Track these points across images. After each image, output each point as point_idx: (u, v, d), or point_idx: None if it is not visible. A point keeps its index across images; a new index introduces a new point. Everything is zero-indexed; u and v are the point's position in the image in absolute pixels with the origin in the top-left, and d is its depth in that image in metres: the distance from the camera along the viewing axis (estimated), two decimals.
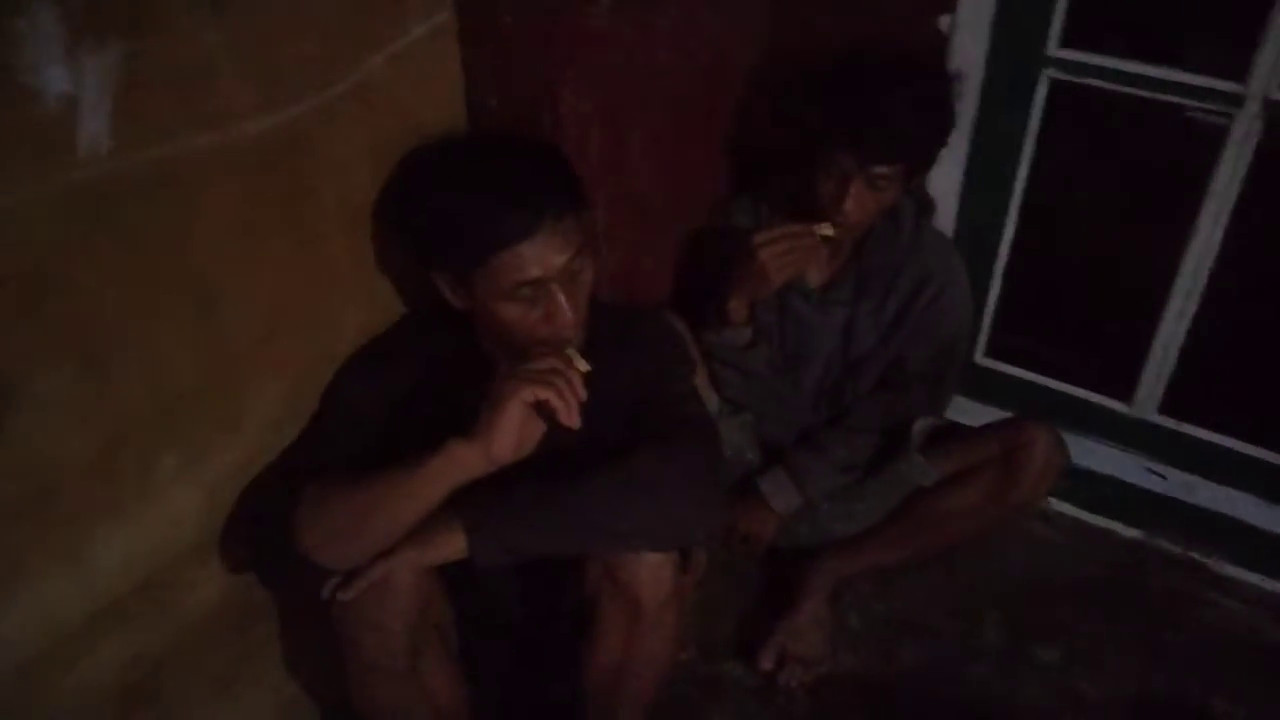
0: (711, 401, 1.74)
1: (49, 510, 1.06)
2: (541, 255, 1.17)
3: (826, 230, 1.55)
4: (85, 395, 1.06)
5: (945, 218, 1.87)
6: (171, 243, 1.09)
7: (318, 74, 1.18)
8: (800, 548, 1.83)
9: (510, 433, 1.11)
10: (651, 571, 1.25)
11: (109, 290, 1.04)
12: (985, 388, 2.04)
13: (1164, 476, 1.94)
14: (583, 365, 1.14)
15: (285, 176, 1.19)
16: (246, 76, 1.09)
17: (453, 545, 1.18)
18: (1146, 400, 1.92)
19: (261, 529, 1.23)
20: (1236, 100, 1.58)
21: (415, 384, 1.33)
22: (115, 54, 0.95)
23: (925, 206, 1.71)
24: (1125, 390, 1.94)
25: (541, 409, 1.12)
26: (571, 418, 1.11)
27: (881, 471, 1.75)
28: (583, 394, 1.12)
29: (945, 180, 1.83)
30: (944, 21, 1.68)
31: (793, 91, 1.59)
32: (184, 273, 1.12)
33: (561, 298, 1.19)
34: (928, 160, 1.59)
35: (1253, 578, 1.88)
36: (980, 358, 2.04)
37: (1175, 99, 1.64)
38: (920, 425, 1.74)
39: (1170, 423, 1.93)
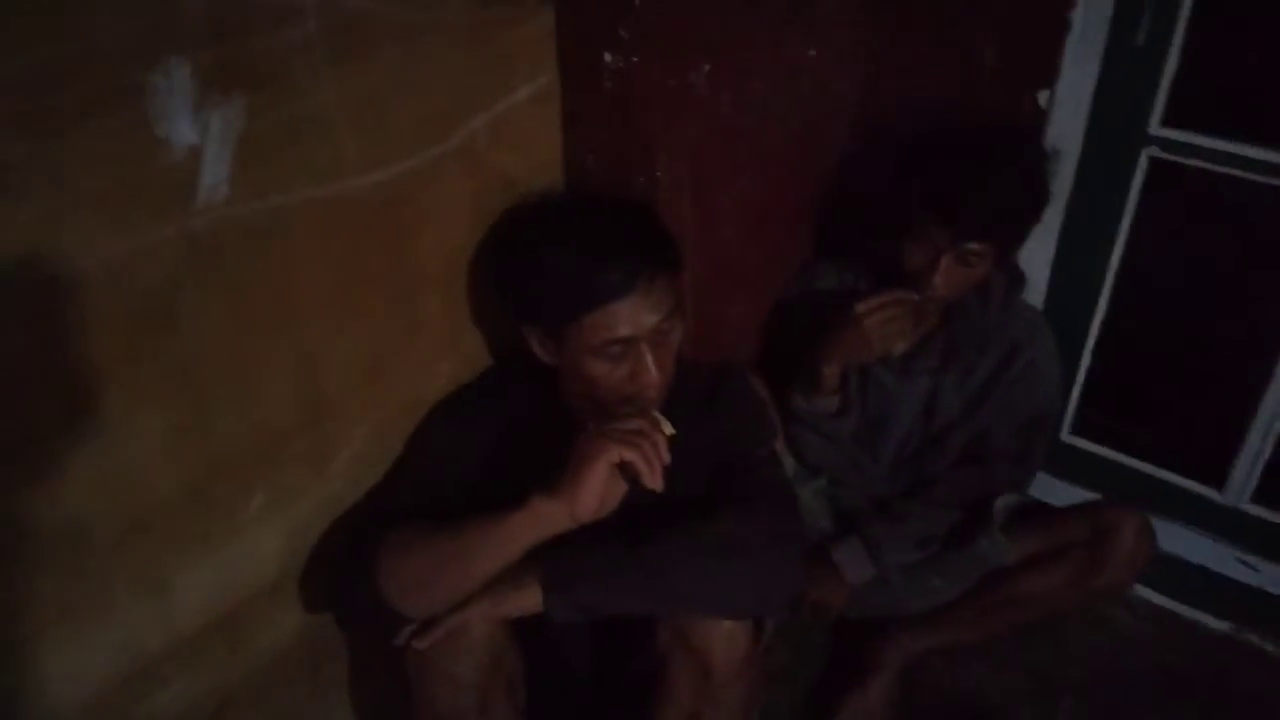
0: (788, 464, 1.73)
1: (140, 542, 1.09)
2: (634, 314, 1.18)
3: (914, 296, 1.54)
4: (184, 433, 1.09)
5: (1035, 291, 1.84)
6: (275, 289, 1.12)
7: (426, 133, 1.22)
8: (871, 619, 1.79)
9: (594, 491, 1.11)
10: (725, 638, 1.23)
11: (214, 332, 1.07)
12: (1070, 466, 1.99)
13: (1256, 569, 1.87)
14: (668, 429, 1.14)
15: (388, 229, 1.22)
16: (359, 133, 1.12)
17: (529, 600, 1.18)
18: (1240, 488, 1.85)
19: (341, 572, 1.24)
20: None
21: (498, 434, 1.34)
22: (239, 108, 0.99)
23: (1016, 280, 1.69)
24: (1217, 476, 1.87)
25: (625, 470, 1.12)
26: (655, 480, 1.10)
27: (961, 547, 1.70)
28: (667, 457, 1.11)
29: (1037, 254, 1.80)
30: (1043, 96, 1.66)
31: (886, 162, 1.59)
32: (285, 318, 1.15)
33: (649, 358, 1.20)
34: (1021, 237, 1.57)
35: None
36: (1066, 435, 1.99)
37: None
38: (1002, 502, 1.69)
39: (1264, 512, 1.85)
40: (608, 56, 1.29)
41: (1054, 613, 1.70)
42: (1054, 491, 1.96)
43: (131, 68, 0.89)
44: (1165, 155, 1.66)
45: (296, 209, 1.09)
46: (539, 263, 1.21)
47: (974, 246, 1.48)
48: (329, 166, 1.11)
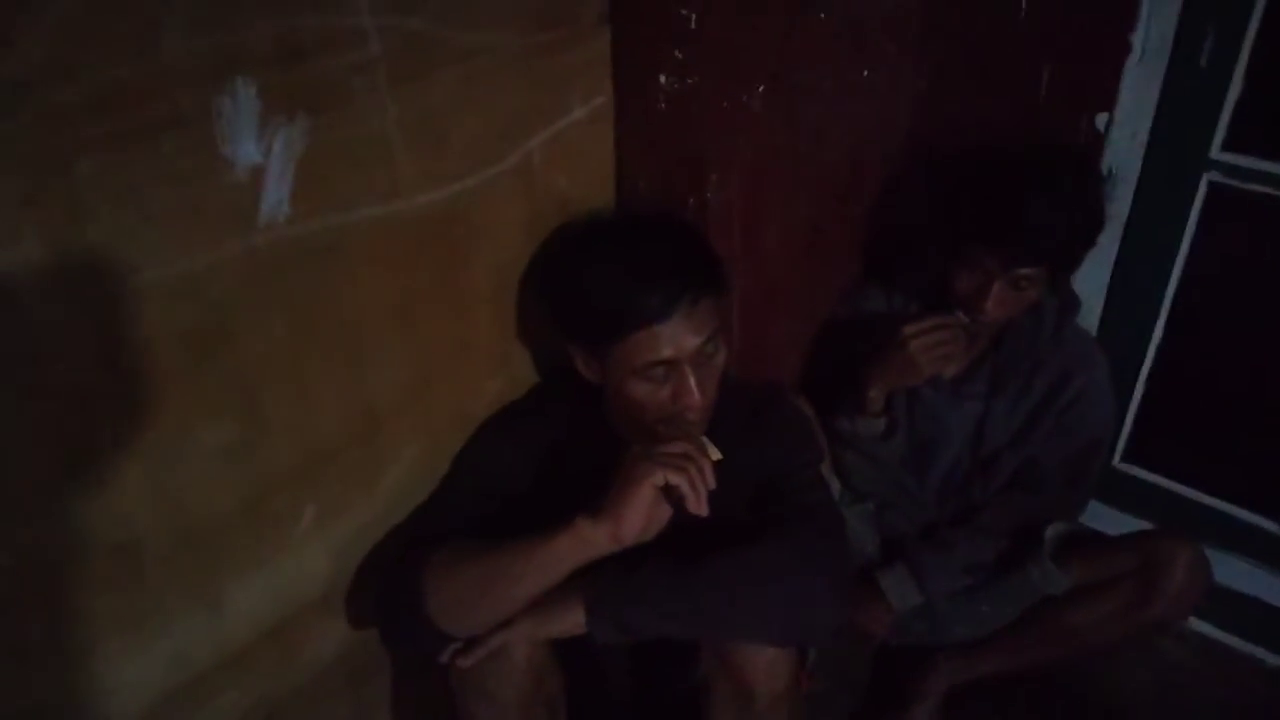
0: (834, 487, 1.71)
1: (193, 555, 1.10)
2: (676, 337, 1.17)
3: (964, 318, 1.52)
4: (239, 448, 1.10)
5: (1090, 316, 1.81)
6: (331, 306, 1.13)
7: (483, 152, 1.22)
8: (915, 647, 1.76)
9: (639, 514, 1.10)
10: (767, 664, 1.22)
11: (271, 349, 1.08)
12: (1121, 494, 1.96)
13: None
14: (715, 454, 1.13)
15: (442, 248, 1.22)
16: (418, 153, 1.13)
17: (571, 620, 1.18)
18: None
19: (385, 589, 1.24)
20: None
21: (544, 453, 1.34)
22: (301, 129, 1.00)
23: (1069, 304, 1.66)
24: (1274, 507, 1.83)
25: (670, 494, 1.11)
26: (700, 506, 1.09)
27: (1009, 575, 1.68)
28: (712, 482, 1.10)
29: (1093, 278, 1.77)
30: (1101, 119, 1.64)
31: (937, 185, 1.57)
32: (340, 335, 1.15)
33: (692, 380, 1.19)
34: (1074, 261, 1.54)
35: None
36: (1119, 462, 1.96)
37: None
38: (1053, 530, 1.66)
39: None
40: (663, 78, 1.29)
41: (1102, 644, 1.67)
42: (1103, 518, 1.93)
43: (199, 89, 0.91)
44: (1226, 180, 1.63)
45: (355, 228, 1.10)
46: (583, 282, 1.21)
47: (1026, 271, 1.46)
48: (387, 186, 1.12)
